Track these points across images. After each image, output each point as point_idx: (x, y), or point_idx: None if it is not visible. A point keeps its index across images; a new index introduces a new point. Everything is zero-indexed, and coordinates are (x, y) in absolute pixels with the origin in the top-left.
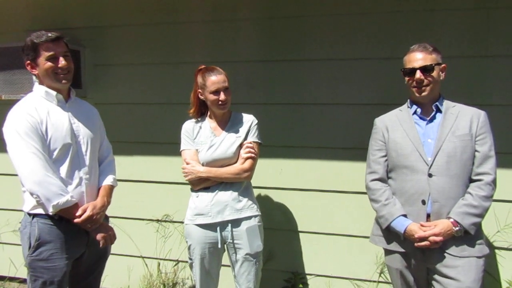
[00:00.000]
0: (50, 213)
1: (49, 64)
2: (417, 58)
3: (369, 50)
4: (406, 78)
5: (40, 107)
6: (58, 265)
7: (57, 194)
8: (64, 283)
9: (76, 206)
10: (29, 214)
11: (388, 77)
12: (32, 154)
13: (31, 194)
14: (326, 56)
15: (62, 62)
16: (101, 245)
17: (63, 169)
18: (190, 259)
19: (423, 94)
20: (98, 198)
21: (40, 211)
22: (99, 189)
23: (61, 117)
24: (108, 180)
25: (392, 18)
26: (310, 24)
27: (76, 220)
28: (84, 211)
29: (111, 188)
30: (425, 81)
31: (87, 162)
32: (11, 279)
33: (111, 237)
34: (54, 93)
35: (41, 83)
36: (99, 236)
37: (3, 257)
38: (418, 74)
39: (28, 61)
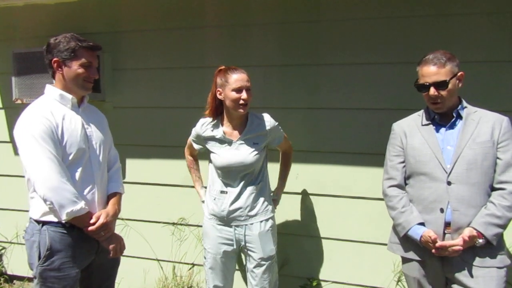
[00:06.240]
0: (63, 221)
1: (83, 70)
2: (430, 72)
3: (385, 55)
4: (421, 92)
5: (55, 111)
6: (70, 274)
7: (72, 201)
8: None
9: (88, 214)
10: (38, 222)
11: (404, 82)
12: (47, 159)
13: (45, 200)
14: (342, 61)
15: (95, 73)
16: (111, 255)
17: (77, 175)
18: (205, 257)
19: (439, 110)
20: (109, 206)
21: (50, 218)
22: (107, 196)
23: (75, 122)
24: (117, 188)
25: (409, 23)
26: (325, 29)
27: (90, 228)
28: (98, 219)
29: (120, 196)
30: (439, 98)
31: (99, 167)
32: (30, 279)
33: (121, 247)
34: (70, 96)
35: (55, 85)
36: (111, 247)
37: (23, 258)
38: (432, 91)
39: (57, 59)
